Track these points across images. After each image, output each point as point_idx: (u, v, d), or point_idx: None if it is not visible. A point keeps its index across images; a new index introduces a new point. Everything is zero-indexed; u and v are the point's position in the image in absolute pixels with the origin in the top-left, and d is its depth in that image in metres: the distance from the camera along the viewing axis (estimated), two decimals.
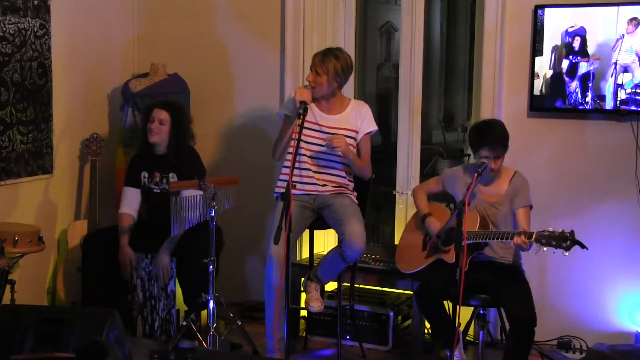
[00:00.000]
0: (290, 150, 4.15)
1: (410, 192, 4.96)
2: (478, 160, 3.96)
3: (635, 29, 4.33)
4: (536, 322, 3.80)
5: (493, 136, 3.97)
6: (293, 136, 4.08)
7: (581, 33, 4.45)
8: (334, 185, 4.27)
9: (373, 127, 4.31)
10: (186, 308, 4.49)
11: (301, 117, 3.97)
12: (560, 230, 3.61)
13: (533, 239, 3.65)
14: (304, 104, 4.01)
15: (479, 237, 3.83)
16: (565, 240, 3.58)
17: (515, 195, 3.99)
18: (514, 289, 3.87)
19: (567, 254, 3.59)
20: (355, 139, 4.27)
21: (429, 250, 4.12)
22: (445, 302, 3.98)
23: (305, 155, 4.19)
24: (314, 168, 4.25)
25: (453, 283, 3.58)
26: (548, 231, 3.62)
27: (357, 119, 4.28)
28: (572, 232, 3.60)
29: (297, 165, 4.04)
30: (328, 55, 4.18)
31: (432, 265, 4.08)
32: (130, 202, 4.69)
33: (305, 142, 4.17)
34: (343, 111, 4.28)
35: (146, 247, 4.59)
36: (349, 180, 4.33)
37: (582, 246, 3.64)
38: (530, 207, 4.00)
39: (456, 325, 3.67)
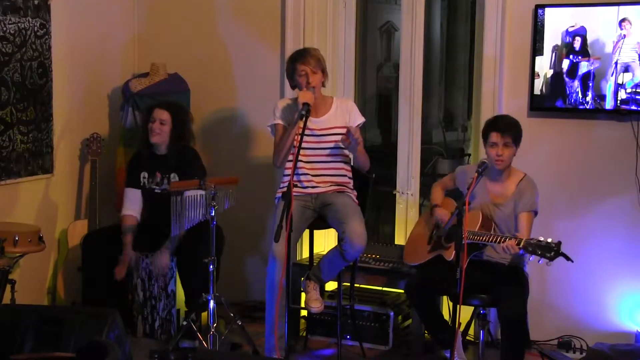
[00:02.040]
0: (290, 157, 4.16)
1: (411, 193, 5.00)
2: (487, 151, 3.95)
3: (630, 27, 4.33)
4: (525, 320, 3.79)
5: (505, 121, 3.99)
6: (294, 143, 4.08)
7: (581, 33, 4.45)
8: (333, 185, 4.27)
9: (361, 119, 4.34)
10: (186, 308, 4.49)
11: (303, 118, 3.98)
12: (548, 240, 3.57)
13: (521, 245, 3.63)
14: (307, 106, 4.01)
15: (475, 238, 3.82)
16: (549, 251, 3.53)
17: (520, 198, 3.96)
18: (507, 288, 3.86)
19: (550, 264, 3.55)
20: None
21: (432, 245, 4.12)
22: (445, 302, 3.98)
23: (301, 160, 4.18)
24: (312, 172, 4.26)
25: (452, 282, 3.58)
26: (536, 239, 3.59)
27: (344, 115, 4.30)
28: (558, 244, 3.55)
29: (295, 172, 4.04)
30: (308, 52, 4.26)
31: (432, 261, 4.08)
32: (133, 203, 4.68)
33: (301, 147, 4.17)
34: (329, 110, 4.31)
35: (146, 247, 4.59)
36: (349, 178, 4.34)
37: (567, 258, 3.61)
38: (535, 213, 3.97)
39: (456, 325, 3.67)
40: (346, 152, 4.31)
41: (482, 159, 3.92)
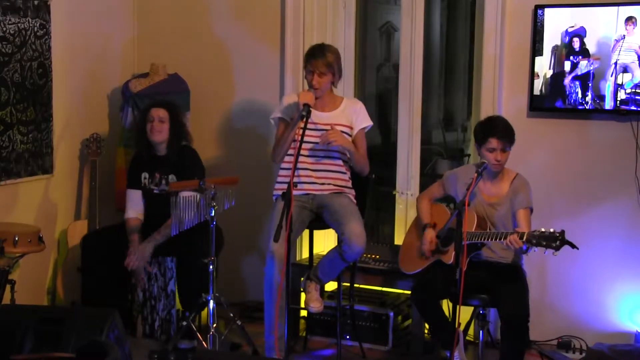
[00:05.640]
0: (290, 152, 4.16)
1: (411, 193, 4.99)
2: (484, 154, 3.96)
3: (634, 28, 4.33)
4: (528, 320, 3.79)
5: (502, 126, 4.00)
6: (295, 137, 4.09)
7: (581, 33, 4.45)
8: (333, 184, 4.27)
9: (368, 122, 4.34)
10: (182, 308, 4.48)
11: (304, 119, 3.99)
12: (550, 230, 3.59)
13: (524, 239, 3.64)
14: (307, 107, 4.03)
15: (475, 238, 3.84)
16: (554, 240, 3.56)
17: (516, 197, 3.98)
18: (509, 288, 3.87)
19: (556, 254, 3.58)
20: (350, 135, 4.29)
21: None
22: (445, 302, 3.98)
23: (303, 154, 4.18)
24: (312, 167, 4.26)
25: (452, 283, 3.58)
26: (539, 231, 3.61)
27: (351, 115, 4.31)
28: (562, 232, 3.57)
29: (295, 166, 4.04)
30: (323, 51, 4.22)
31: (431, 266, 4.09)
32: (135, 205, 4.66)
33: (301, 146, 4.17)
34: (337, 108, 4.32)
35: None
36: (348, 177, 4.34)
37: (573, 246, 3.63)
38: (531, 209, 3.99)
39: (456, 325, 3.67)
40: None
41: (481, 160, 3.94)
